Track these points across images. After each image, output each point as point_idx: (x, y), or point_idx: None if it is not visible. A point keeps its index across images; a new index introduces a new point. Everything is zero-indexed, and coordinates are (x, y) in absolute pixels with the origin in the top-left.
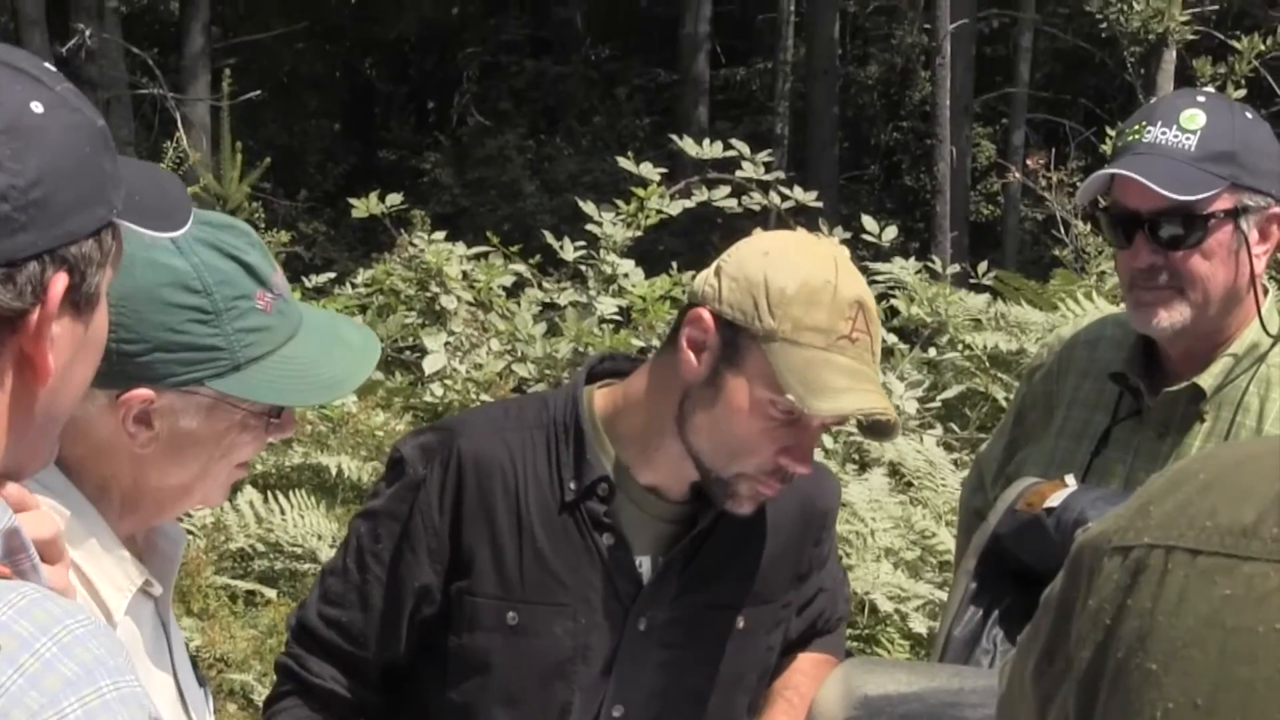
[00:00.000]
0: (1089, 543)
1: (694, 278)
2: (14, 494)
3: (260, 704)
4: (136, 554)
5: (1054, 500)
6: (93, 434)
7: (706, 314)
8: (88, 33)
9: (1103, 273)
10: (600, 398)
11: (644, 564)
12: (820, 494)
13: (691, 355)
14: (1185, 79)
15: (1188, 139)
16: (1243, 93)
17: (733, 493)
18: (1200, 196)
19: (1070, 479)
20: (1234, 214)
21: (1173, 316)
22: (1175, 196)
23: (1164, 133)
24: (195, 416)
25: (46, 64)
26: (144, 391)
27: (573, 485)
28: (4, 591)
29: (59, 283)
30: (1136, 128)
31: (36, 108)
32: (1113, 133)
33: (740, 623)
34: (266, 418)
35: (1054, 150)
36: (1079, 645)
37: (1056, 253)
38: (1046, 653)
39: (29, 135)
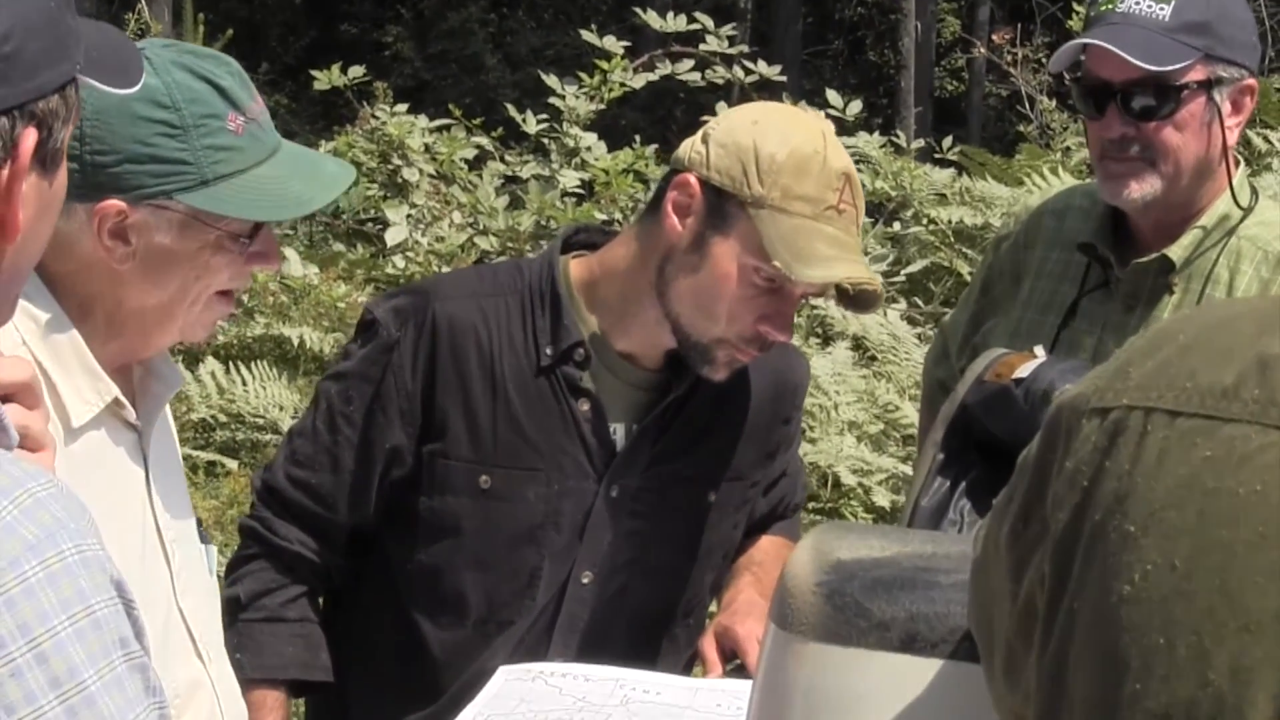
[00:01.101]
0: (1066, 404)
1: (659, 150)
2: None
3: (221, 574)
4: (129, 391)
5: (1023, 371)
6: (75, 251)
7: (693, 179)
8: None
9: (1068, 148)
10: (576, 266)
11: (618, 431)
12: (791, 371)
13: (675, 219)
14: None
15: (1162, 9)
16: None
17: (710, 358)
18: (1174, 67)
19: (1039, 350)
20: (1207, 85)
21: (1143, 188)
22: (1148, 67)
23: (1138, 3)
24: (169, 233)
25: None
26: (116, 202)
27: (549, 350)
28: None
29: (29, 138)
30: None
31: None
32: (1079, 8)
33: (710, 496)
34: (243, 241)
35: (1020, 25)
36: (1055, 507)
37: (1021, 128)
38: (1022, 515)
39: None
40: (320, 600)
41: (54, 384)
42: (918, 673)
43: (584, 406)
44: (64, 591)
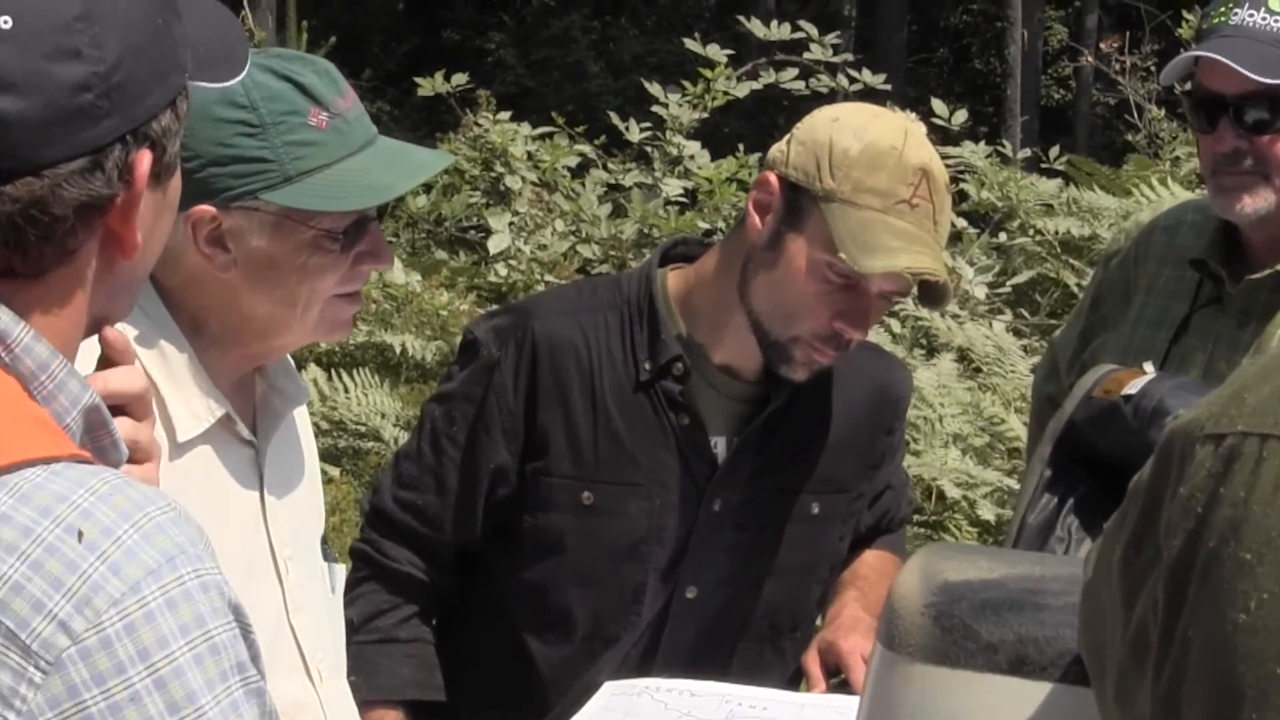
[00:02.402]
0: (1180, 430)
1: (762, 159)
2: (115, 339)
3: None
4: (249, 407)
5: (1132, 387)
6: (182, 263)
7: (773, 177)
8: None
9: (1177, 158)
10: (673, 279)
11: (719, 444)
12: (893, 382)
13: (756, 217)
14: None
15: (1275, 21)
16: None
17: (789, 357)
18: None
19: (1149, 366)
20: None
21: (1256, 202)
22: (1261, 79)
23: (1251, 14)
24: (263, 235)
25: None
26: (207, 208)
27: (647, 365)
28: (86, 477)
29: (144, 161)
30: (1223, 9)
31: None
32: (1189, 16)
33: (814, 508)
34: (341, 239)
35: (1128, 34)
36: (1169, 534)
37: (1129, 138)
38: (1135, 541)
39: (105, 18)
40: (432, 620)
41: (162, 398)
42: (1026, 696)
43: (684, 420)
44: (183, 617)
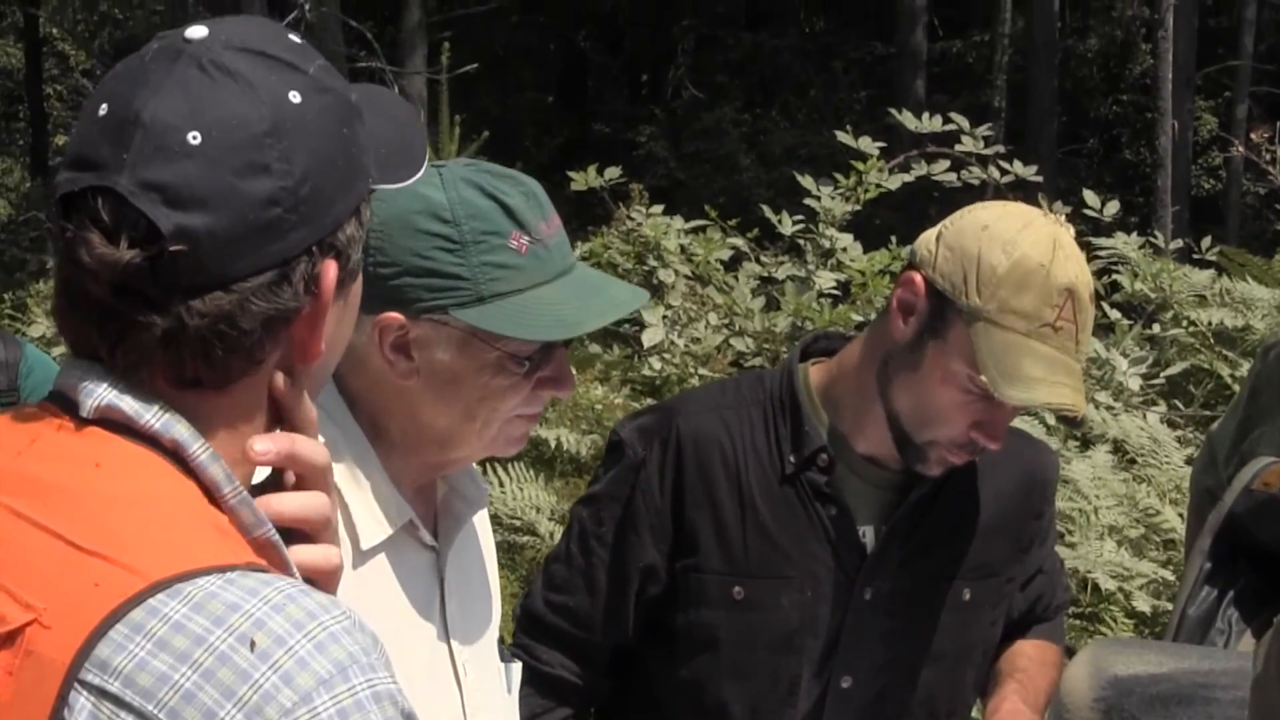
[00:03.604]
0: None
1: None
2: (312, 455)
3: None
4: (430, 510)
5: None
6: (367, 366)
7: (919, 278)
8: (306, 6)
9: None
10: (815, 372)
11: (867, 533)
12: (1040, 466)
13: (900, 317)
14: None
15: None
16: None
17: (924, 458)
18: None
19: None
20: None
21: None
22: None
23: None
24: (448, 350)
25: (293, 36)
26: (395, 315)
27: (792, 458)
28: (260, 586)
29: (330, 272)
30: None
31: (294, 98)
32: None
33: (965, 594)
34: (526, 364)
35: (1278, 124)
36: None
37: None
38: None
39: (293, 132)
40: None
41: (346, 504)
42: None
43: (831, 511)
44: None
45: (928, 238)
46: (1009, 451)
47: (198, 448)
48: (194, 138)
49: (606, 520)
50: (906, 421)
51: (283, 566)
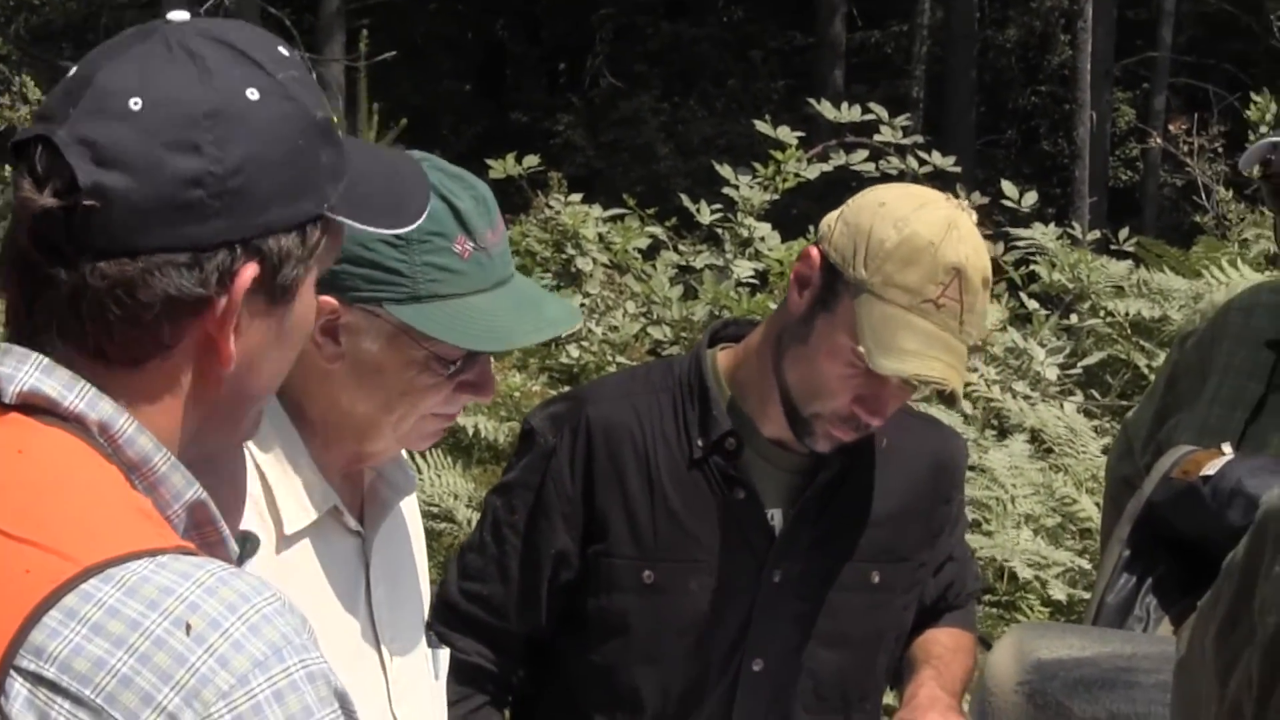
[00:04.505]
0: (1274, 509)
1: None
2: None
3: None
4: (357, 496)
5: (1210, 469)
6: None
7: (816, 252)
8: None
9: (1246, 239)
10: (723, 357)
11: (775, 516)
12: (949, 451)
13: (796, 290)
14: None
15: None
16: None
17: (810, 431)
18: None
19: (1227, 447)
20: None
21: None
22: None
23: None
24: (376, 341)
25: (282, 47)
26: (330, 299)
27: (700, 443)
28: (192, 570)
29: (247, 273)
30: None
31: (251, 94)
32: (1258, 98)
33: (875, 577)
34: (450, 366)
35: (1196, 115)
36: (1264, 611)
37: (1197, 219)
38: (1229, 619)
39: (235, 123)
40: (503, 709)
41: (270, 489)
42: None
43: (739, 495)
44: (290, 708)
45: (832, 215)
46: (918, 437)
47: (123, 422)
48: (134, 104)
49: (519, 508)
50: (795, 394)
51: (212, 523)
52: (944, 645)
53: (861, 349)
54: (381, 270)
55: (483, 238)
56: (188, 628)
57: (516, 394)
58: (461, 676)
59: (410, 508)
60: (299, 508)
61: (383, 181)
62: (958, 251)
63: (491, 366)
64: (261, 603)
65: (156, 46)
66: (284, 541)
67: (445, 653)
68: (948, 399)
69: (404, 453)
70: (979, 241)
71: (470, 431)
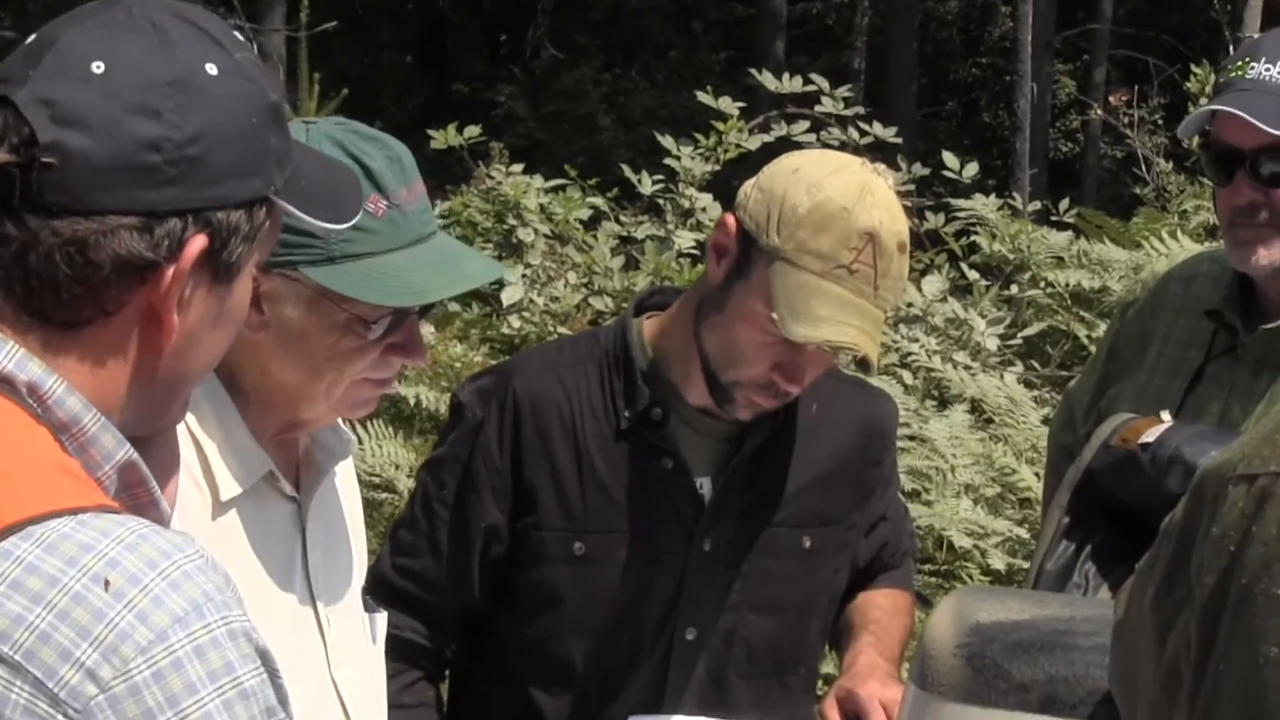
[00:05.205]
0: (1212, 471)
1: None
2: None
3: None
4: (291, 462)
5: (1150, 436)
6: None
7: (732, 220)
8: None
9: (1185, 211)
10: (649, 326)
11: (704, 485)
12: (878, 414)
13: (714, 259)
14: (1273, 17)
15: None
16: None
17: (730, 399)
18: None
19: (1166, 415)
20: None
21: (1272, 254)
22: (1278, 133)
23: (1268, 69)
24: (297, 307)
25: (237, 33)
26: None
27: (626, 413)
28: (112, 526)
29: (196, 243)
30: (1240, 64)
31: (210, 69)
32: (1197, 70)
33: (806, 542)
34: (374, 328)
35: (1136, 88)
36: (1201, 572)
37: (1137, 191)
38: (1167, 580)
39: (195, 94)
40: (438, 683)
41: (205, 455)
42: None
43: (667, 464)
44: (211, 664)
45: (749, 182)
46: (847, 401)
47: (52, 383)
48: (97, 67)
49: (448, 482)
50: (714, 363)
51: (144, 484)
52: (881, 608)
53: (775, 316)
54: (294, 233)
55: (396, 195)
56: (106, 584)
57: (458, 364)
58: (396, 652)
59: (346, 471)
60: (234, 474)
61: (321, 178)
62: (871, 216)
63: (419, 327)
64: (183, 559)
65: (120, 16)
66: (220, 508)
67: (383, 616)
68: (863, 364)
69: (342, 421)
70: (895, 206)
71: (411, 401)
